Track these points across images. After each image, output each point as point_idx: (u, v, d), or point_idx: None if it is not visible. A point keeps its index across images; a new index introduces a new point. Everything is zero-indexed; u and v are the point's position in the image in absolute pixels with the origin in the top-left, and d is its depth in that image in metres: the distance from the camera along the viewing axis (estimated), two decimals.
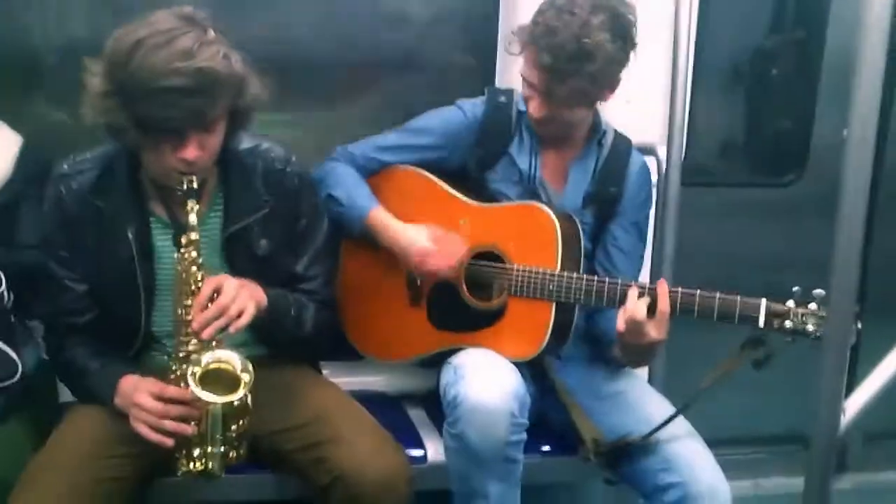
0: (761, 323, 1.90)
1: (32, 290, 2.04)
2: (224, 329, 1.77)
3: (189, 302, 1.82)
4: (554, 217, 2.10)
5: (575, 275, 2.07)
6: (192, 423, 1.81)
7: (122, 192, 1.92)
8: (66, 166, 1.95)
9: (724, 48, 3.05)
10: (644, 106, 2.50)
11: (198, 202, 1.83)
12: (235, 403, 1.78)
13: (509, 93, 2.26)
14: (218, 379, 1.79)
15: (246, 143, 2.00)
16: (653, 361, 2.36)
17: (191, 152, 1.76)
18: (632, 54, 2.04)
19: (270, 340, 2.05)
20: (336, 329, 2.22)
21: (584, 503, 2.78)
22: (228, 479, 1.98)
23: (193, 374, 1.77)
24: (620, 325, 1.95)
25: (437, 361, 2.17)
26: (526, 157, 2.22)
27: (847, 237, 1.26)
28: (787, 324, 1.89)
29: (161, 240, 1.96)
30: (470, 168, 2.24)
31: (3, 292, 1.99)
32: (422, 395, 2.42)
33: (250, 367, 1.80)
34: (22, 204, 2.10)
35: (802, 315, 1.89)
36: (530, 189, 2.21)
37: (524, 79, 2.09)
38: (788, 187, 3.07)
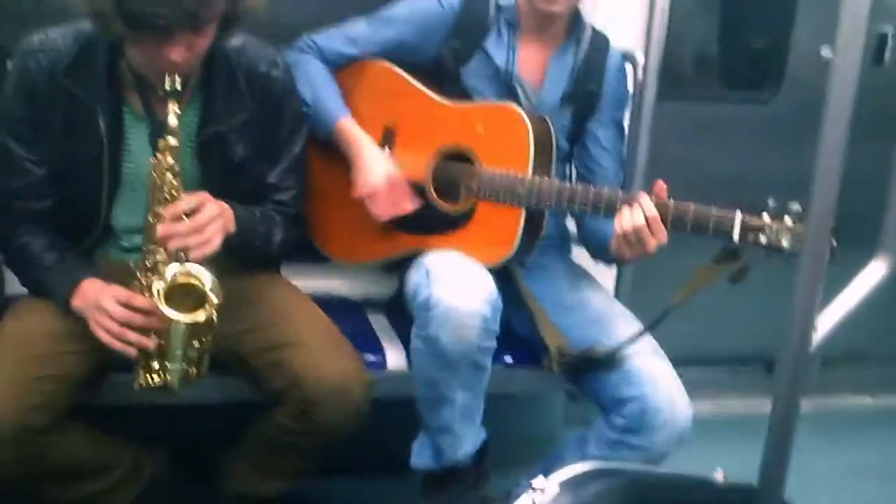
0: (736, 236, 1.85)
1: None
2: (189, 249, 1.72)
3: (160, 209, 1.75)
4: (526, 119, 2.03)
5: (546, 179, 2.01)
6: (154, 335, 1.76)
7: (98, 77, 1.82)
8: (36, 40, 1.84)
9: None
10: (622, 10, 2.44)
11: (179, 103, 1.74)
12: (200, 322, 1.73)
13: None
14: (184, 293, 1.74)
15: (233, 41, 1.90)
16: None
17: (178, 52, 1.67)
18: None
19: (236, 258, 1.97)
20: (301, 242, 2.16)
21: (545, 416, 2.78)
22: None
23: (159, 289, 1.72)
24: (619, 235, 1.92)
25: (400, 265, 2.13)
26: (503, 53, 2.14)
27: (829, 146, 1.21)
28: (762, 238, 1.84)
29: (133, 133, 1.87)
30: (444, 61, 2.15)
31: None
32: (383, 300, 2.38)
33: (218, 285, 1.74)
34: None
35: (777, 230, 1.83)
36: (507, 85, 2.14)
37: None
38: (765, 104, 3.03)
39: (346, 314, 2.17)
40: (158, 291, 1.72)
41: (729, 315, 2.99)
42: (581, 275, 2.29)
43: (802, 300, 1.28)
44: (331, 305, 2.06)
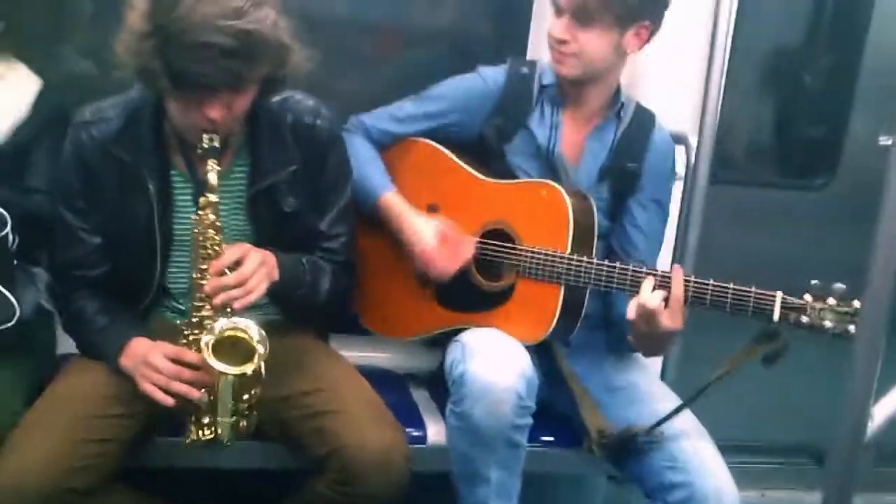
0: (776, 316, 1.83)
1: (38, 236, 1.99)
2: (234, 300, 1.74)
3: (205, 266, 1.79)
4: (566, 196, 2.04)
5: (585, 258, 2.01)
6: (204, 390, 1.78)
7: (146, 144, 1.88)
8: (88, 113, 1.91)
9: (761, 44, 2.98)
10: (677, 94, 2.45)
11: (218, 162, 1.78)
12: (249, 374, 1.74)
13: (532, 64, 2.21)
14: (232, 347, 1.76)
15: (276, 95, 1.94)
16: (667, 352, 2.31)
17: (216, 111, 1.72)
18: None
19: (282, 305, 2.02)
20: (351, 291, 2.17)
21: (586, 499, 2.72)
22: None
23: (207, 342, 1.74)
24: (631, 313, 1.90)
25: (442, 341, 2.13)
26: (545, 131, 2.16)
27: (888, 229, 1.19)
28: (804, 319, 1.82)
29: (181, 194, 1.92)
30: (487, 139, 2.17)
31: (7, 234, 1.94)
32: (426, 375, 2.37)
33: (266, 337, 1.76)
34: (34, 148, 2.05)
35: (820, 310, 1.81)
36: (548, 162, 2.15)
37: (551, 25, 2.05)
38: (818, 191, 3.00)
39: (389, 387, 2.18)
40: (206, 344, 1.73)
41: (778, 404, 2.93)
42: (627, 356, 2.26)
43: (857, 388, 1.25)
44: (375, 377, 2.06)
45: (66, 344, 2.07)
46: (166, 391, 1.77)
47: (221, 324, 1.76)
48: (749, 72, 2.99)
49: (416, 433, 2.12)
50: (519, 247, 2.07)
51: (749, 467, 3.06)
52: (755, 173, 3.09)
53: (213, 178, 1.77)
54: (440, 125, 2.21)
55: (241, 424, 1.83)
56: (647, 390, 2.13)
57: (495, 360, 1.87)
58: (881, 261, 1.22)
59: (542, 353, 2.09)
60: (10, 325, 1.88)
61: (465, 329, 2.05)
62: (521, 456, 1.93)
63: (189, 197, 1.91)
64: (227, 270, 1.75)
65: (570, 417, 2.11)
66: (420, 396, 2.33)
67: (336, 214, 2.04)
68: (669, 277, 1.91)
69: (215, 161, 1.77)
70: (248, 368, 1.74)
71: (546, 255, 2.04)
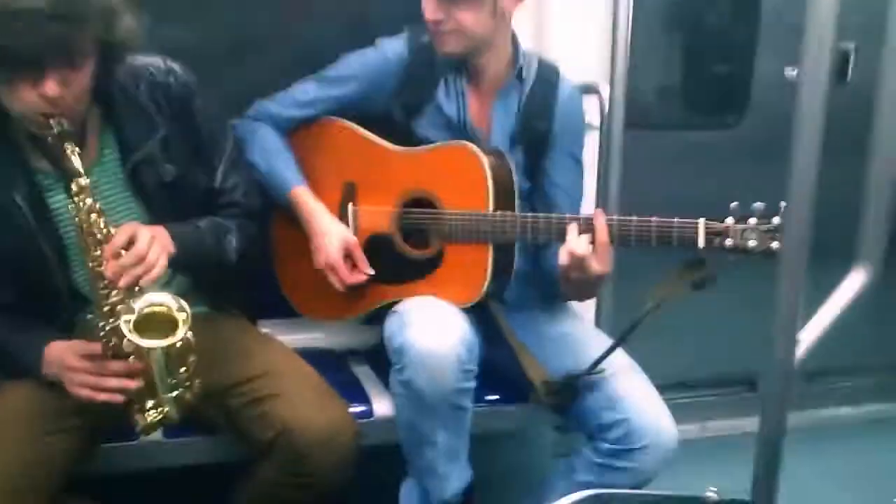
0: (701, 243, 1.86)
1: None
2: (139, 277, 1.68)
3: (98, 252, 1.72)
4: (482, 156, 2.03)
5: (508, 214, 2.02)
6: (138, 375, 1.73)
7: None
8: None
9: None
10: (584, 44, 2.46)
11: (78, 145, 1.70)
12: (178, 344, 1.70)
13: None
14: (154, 323, 1.70)
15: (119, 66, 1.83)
16: (598, 296, 2.33)
17: (51, 87, 1.59)
18: None
19: (194, 275, 1.96)
20: (259, 238, 2.10)
21: (533, 450, 2.77)
22: (169, 444, 1.96)
23: (128, 321, 1.68)
24: (563, 260, 1.91)
25: (380, 315, 2.12)
26: (453, 102, 2.14)
27: (804, 146, 1.22)
28: (728, 242, 1.84)
29: (54, 195, 1.81)
30: (395, 114, 2.15)
31: None
32: (366, 350, 2.37)
33: (185, 303, 1.71)
34: None
35: (742, 231, 1.83)
36: (460, 134, 2.14)
37: (424, 6, 2.01)
38: (730, 129, 3.07)
39: (330, 366, 2.14)
40: (128, 323, 1.68)
41: (711, 338, 3.00)
42: (560, 307, 2.29)
43: (784, 315, 1.29)
44: (314, 358, 2.05)
45: None
46: (99, 389, 1.72)
47: (138, 304, 1.70)
48: (653, 15, 3.00)
49: (362, 408, 2.12)
50: (441, 211, 2.07)
51: (688, 401, 3.14)
52: (667, 116, 3.13)
53: (76, 161, 1.68)
54: (346, 104, 2.18)
55: (186, 397, 1.78)
56: (583, 338, 2.16)
57: (433, 327, 1.88)
58: (797, 185, 1.24)
59: (479, 313, 2.09)
60: None
61: (401, 301, 2.04)
62: (466, 418, 1.95)
63: (64, 195, 1.78)
64: (122, 252, 1.68)
65: (513, 373, 2.13)
66: (362, 372, 2.33)
67: (225, 166, 1.97)
68: (591, 221, 1.91)
69: (72, 143, 1.68)
70: (177, 336, 1.69)
71: (469, 216, 2.04)
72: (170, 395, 1.76)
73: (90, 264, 1.74)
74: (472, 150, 2.04)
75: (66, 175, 1.73)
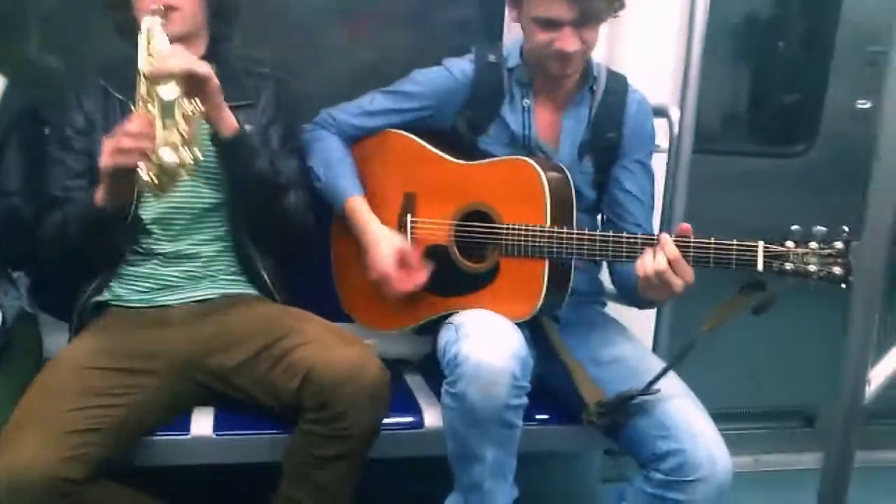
0: (760, 266, 1.81)
1: (16, 239, 1.96)
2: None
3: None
4: (539, 170, 2.02)
5: (565, 230, 2.00)
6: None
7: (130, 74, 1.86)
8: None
9: (736, 12, 3.00)
10: (656, 67, 2.46)
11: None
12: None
13: (498, 50, 2.20)
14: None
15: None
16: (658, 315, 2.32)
17: None
18: None
19: (240, 185, 2.01)
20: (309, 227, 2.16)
21: (581, 472, 2.73)
22: (219, 441, 1.96)
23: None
24: (642, 279, 1.88)
25: (433, 327, 2.12)
26: (518, 118, 2.16)
27: (884, 174, 1.19)
28: (788, 266, 1.80)
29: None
30: (460, 130, 2.18)
31: None
32: (418, 360, 2.36)
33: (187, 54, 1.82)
34: (6, 149, 2.02)
35: (803, 255, 1.78)
36: (526, 149, 2.14)
37: (538, 21, 2.00)
38: (799, 158, 3.02)
39: None
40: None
41: (767, 370, 2.95)
42: (616, 329, 2.26)
43: (855, 353, 1.25)
44: None
45: (51, 347, 2.06)
46: (117, 150, 1.74)
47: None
48: (725, 41, 2.99)
49: (412, 418, 2.11)
50: (499, 225, 2.07)
51: (741, 433, 3.08)
52: (736, 142, 3.10)
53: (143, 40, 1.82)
54: (411, 119, 2.21)
55: (183, 151, 1.75)
56: (639, 362, 2.12)
57: (488, 341, 1.86)
58: (875, 217, 1.21)
59: (531, 329, 2.08)
60: None
61: (455, 313, 2.03)
62: (516, 435, 1.92)
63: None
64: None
65: (565, 393, 2.10)
66: (414, 382, 2.32)
67: (281, 147, 2.13)
68: (656, 241, 1.89)
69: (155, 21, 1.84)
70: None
71: (526, 230, 2.03)
72: (170, 135, 1.74)
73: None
74: (531, 164, 2.04)
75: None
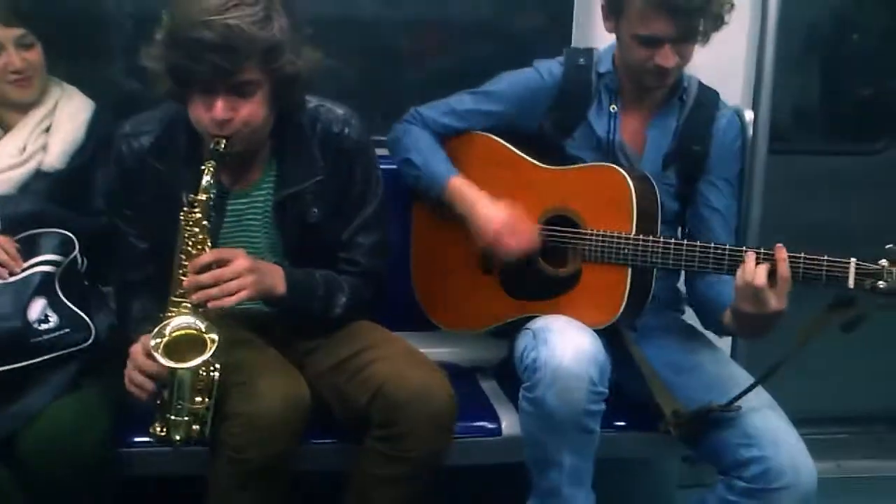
0: (851, 283, 1.79)
1: (105, 257, 2.04)
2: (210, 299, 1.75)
3: (186, 262, 1.80)
4: (628, 178, 2.02)
5: (651, 238, 2.00)
6: (163, 388, 1.79)
7: (180, 154, 1.93)
8: (128, 126, 1.99)
9: (809, 8, 2.95)
10: (728, 68, 2.40)
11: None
12: (189, 372, 1.75)
13: (588, 54, 2.19)
14: (190, 344, 1.75)
15: (308, 104, 1.99)
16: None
17: (219, 111, 1.76)
18: None
19: (294, 318, 2.02)
20: (376, 303, 2.12)
21: (659, 481, 2.71)
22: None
23: (158, 344, 1.73)
24: (739, 286, 1.84)
25: (509, 331, 2.13)
26: (604, 122, 2.15)
27: None
28: (881, 284, 1.77)
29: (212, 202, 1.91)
30: (546, 133, 2.18)
31: (76, 257, 1.99)
32: (494, 366, 2.36)
33: (216, 335, 1.75)
34: (94, 169, 2.11)
35: None
36: (610, 154, 2.14)
37: (638, 38, 1.99)
38: (879, 155, 2.95)
39: (457, 381, 2.09)
40: (157, 346, 1.73)
41: (851, 374, 2.89)
42: (695, 336, 2.24)
43: None
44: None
45: None
46: (129, 381, 1.81)
47: (174, 323, 1.77)
48: (798, 35, 2.94)
49: (490, 425, 2.11)
50: (583, 231, 2.07)
51: (823, 438, 3.02)
52: (812, 141, 3.05)
53: (206, 179, 1.79)
54: (498, 120, 2.21)
55: (192, 427, 1.80)
56: (718, 370, 2.11)
57: (568, 346, 1.86)
58: None
59: (610, 336, 2.07)
60: (86, 345, 1.92)
61: (533, 318, 2.04)
62: (594, 441, 1.93)
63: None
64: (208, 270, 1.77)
65: (642, 400, 2.09)
66: (489, 388, 2.32)
67: (359, 224, 2.04)
68: (772, 255, 1.84)
69: (214, 164, 1.79)
70: (187, 364, 1.72)
71: (611, 237, 2.03)
72: (179, 418, 1.79)
73: (177, 272, 1.82)
74: (619, 172, 2.04)
75: (222, 192, 1.89)
